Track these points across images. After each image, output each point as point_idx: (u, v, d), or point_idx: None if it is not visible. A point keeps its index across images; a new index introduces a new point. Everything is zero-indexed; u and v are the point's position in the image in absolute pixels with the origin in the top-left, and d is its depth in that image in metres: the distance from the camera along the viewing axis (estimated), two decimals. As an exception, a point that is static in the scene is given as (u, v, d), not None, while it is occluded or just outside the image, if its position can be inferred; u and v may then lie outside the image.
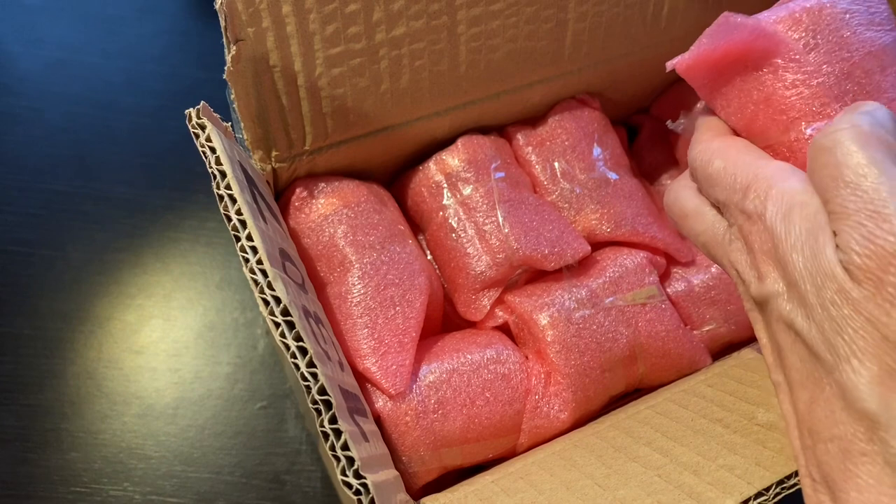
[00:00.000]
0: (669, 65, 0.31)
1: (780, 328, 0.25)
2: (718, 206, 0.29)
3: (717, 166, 0.28)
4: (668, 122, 0.38)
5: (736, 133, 0.30)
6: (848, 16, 0.28)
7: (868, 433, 0.22)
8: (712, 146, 0.29)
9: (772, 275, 0.25)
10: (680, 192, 0.31)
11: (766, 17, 0.28)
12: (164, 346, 0.52)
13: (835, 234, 0.23)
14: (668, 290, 0.44)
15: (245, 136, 0.38)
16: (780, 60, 0.28)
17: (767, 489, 0.29)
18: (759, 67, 0.28)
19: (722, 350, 0.44)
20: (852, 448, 0.23)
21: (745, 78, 0.29)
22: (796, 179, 0.25)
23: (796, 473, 0.29)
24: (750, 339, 0.44)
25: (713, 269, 0.44)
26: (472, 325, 0.43)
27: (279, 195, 0.42)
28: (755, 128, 0.29)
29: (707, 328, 0.44)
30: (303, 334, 0.27)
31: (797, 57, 0.28)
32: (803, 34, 0.28)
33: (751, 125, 0.29)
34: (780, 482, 0.29)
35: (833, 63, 0.27)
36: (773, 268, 0.25)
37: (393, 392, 0.36)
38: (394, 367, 0.36)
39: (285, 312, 0.27)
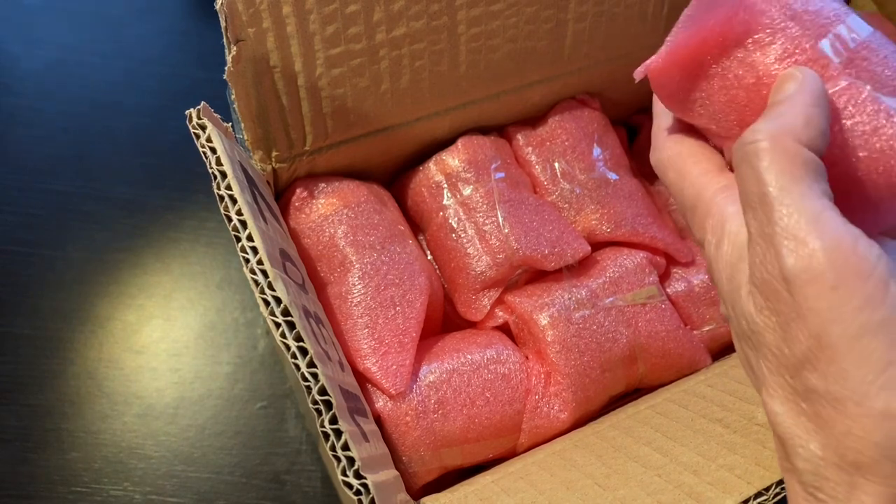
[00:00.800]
0: (639, 72, 0.28)
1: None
2: None
3: (671, 178, 0.28)
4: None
5: (716, 133, 0.28)
6: None
7: (784, 452, 0.22)
8: (664, 154, 0.29)
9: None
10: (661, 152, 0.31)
11: None
12: (164, 346, 0.52)
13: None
14: (668, 290, 0.44)
15: (245, 137, 0.38)
16: (765, 33, 0.26)
17: (767, 489, 0.29)
18: (742, 45, 0.26)
19: (722, 350, 0.44)
20: (783, 466, 0.23)
21: (728, 63, 0.26)
22: (733, 203, 0.25)
23: None
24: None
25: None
26: (472, 325, 0.43)
27: (279, 195, 0.42)
28: (750, 117, 0.27)
29: (707, 328, 0.44)
30: (303, 335, 0.27)
31: (781, 25, 0.26)
32: (778, 2, 0.26)
33: (744, 115, 0.27)
34: (779, 482, 0.29)
35: (817, 27, 0.26)
36: (715, 284, 0.25)
37: (393, 392, 0.36)
38: (394, 367, 0.36)
39: (286, 313, 0.27)
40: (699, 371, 0.41)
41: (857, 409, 0.20)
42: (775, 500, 0.29)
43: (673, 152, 0.28)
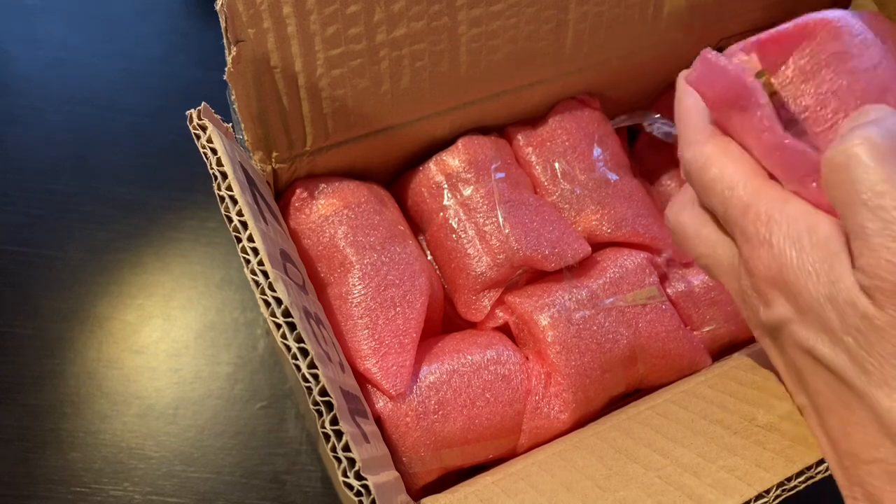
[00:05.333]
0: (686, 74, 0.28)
1: (797, 354, 0.25)
2: (717, 218, 0.28)
3: (713, 175, 0.27)
4: (645, 125, 0.35)
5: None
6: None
7: None
8: (706, 151, 0.27)
9: (779, 300, 0.25)
10: (680, 214, 0.30)
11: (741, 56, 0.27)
12: (164, 346, 0.52)
13: (853, 255, 0.22)
14: (669, 290, 0.44)
15: (245, 137, 0.38)
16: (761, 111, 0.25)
17: (768, 491, 0.29)
18: (749, 111, 0.26)
19: (722, 351, 0.44)
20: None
21: (742, 124, 0.26)
22: (797, 200, 0.24)
23: (797, 475, 0.29)
24: (750, 340, 0.44)
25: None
26: (472, 325, 0.43)
27: (279, 196, 0.42)
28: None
29: (707, 329, 0.44)
30: (304, 336, 0.27)
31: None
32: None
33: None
34: (780, 484, 0.29)
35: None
36: (780, 293, 0.24)
37: (393, 393, 0.36)
38: (394, 367, 0.36)
39: (286, 314, 0.27)
40: (699, 372, 0.41)
41: None
42: (776, 502, 0.29)
43: (717, 149, 0.27)
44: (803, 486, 0.29)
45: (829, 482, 0.28)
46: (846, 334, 0.22)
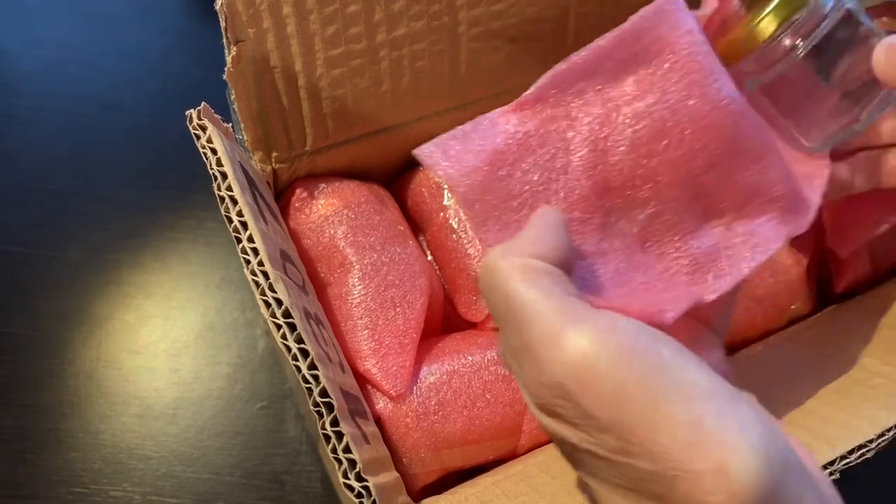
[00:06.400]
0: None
1: None
2: None
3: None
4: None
5: None
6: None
7: None
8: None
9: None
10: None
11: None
12: (163, 346, 0.52)
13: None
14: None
15: (245, 137, 0.38)
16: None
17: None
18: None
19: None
20: None
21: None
22: None
23: None
24: (751, 340, 0.43)
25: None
26: (472, 325, 0.43)
27: (279, 196, 0.42)
28: None
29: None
30: (304, 336, 0.27)
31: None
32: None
33: None
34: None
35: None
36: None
37: (393, 393, 0.36)
38: (394, 368, 0.36)
39: (286, 314, 0.27)
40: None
41: None
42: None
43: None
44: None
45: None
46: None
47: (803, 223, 0.27)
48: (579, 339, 0.21)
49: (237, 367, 0.51)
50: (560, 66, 0.27)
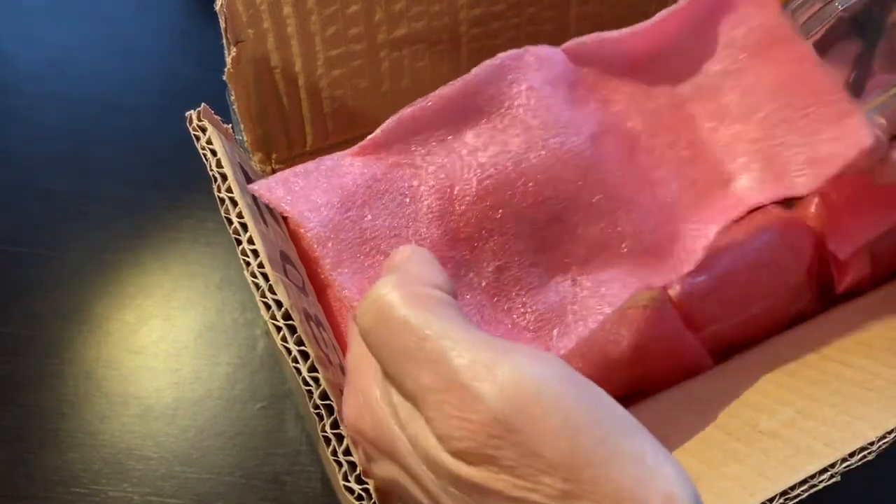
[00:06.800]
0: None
1: None
2: None
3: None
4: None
5: None
6: None
7: None
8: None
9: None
10: None
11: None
12: (163, 347, 0.51)
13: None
14: (670, 291, 0.44)
15: (245, 138, 0.38)
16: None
17: (772, 500, 0.28)
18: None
19: (724, 352, 0.44)
20: None
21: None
22: None
23: (799, 484, 0.28)
24: (752, 341, 0.43)
25: (714, 271, 0.44)
26: (472, 326, 0.43)
27: (279, 196, 0.42)
28: None
29: (709, 330, 0.43)
30: (304, 338, 0.27)
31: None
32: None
33: None
34: (783, 493, 0.28)
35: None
36: None
37: (393, 395, 0.36)
38: (394, 369, 0.36)
39: (286, 316, 0.27)
40: (700, 374, 0.41)
41: None
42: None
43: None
44: (806, 494, 0.28)
45: (832, 490, 0.28)
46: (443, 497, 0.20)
47: (664, 277, 0.27)
48: (518, 370, 0.19)
49: (237, 368, 0.51)
50: (405, 112, 0.27)
